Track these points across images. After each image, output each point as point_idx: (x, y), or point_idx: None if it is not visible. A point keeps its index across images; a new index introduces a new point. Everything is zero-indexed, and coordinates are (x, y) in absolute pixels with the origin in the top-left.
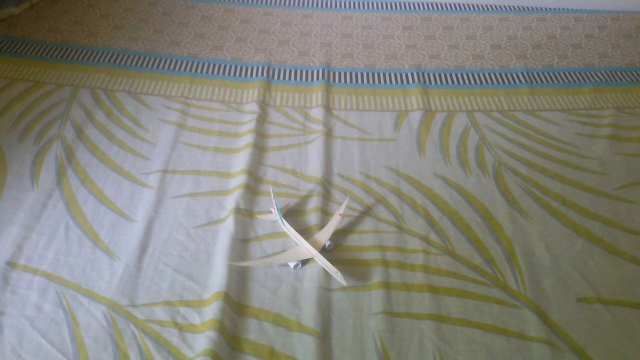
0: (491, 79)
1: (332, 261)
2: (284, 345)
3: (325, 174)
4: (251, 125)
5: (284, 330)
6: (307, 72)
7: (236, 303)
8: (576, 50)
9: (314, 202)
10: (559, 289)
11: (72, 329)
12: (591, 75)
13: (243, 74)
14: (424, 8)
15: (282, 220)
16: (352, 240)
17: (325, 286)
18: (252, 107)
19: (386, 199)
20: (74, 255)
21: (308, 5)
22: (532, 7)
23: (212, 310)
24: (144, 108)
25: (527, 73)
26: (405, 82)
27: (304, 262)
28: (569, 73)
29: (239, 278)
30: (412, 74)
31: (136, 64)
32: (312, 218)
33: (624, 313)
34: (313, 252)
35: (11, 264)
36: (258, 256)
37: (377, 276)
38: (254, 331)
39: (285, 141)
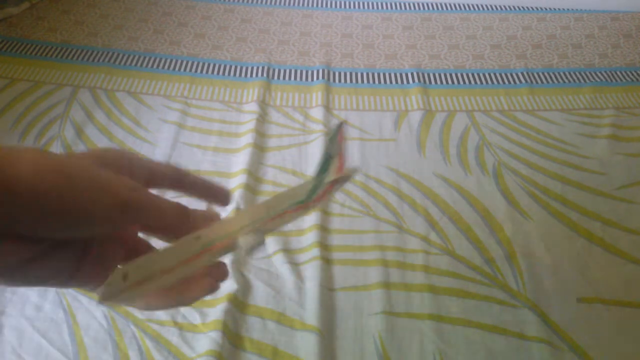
0: (491, 79)
1: (332, 261)
2: (288, 344)
3: None
4: (251, 125)
5: (288, 329)
6: (307, 72)
7: (241, 302)
8: (576, 50)
9: None
10: (559, 289)
11: (72, 329)
12: (591, 75)
13: (243, 74)
14: (424, 8)
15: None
16: (352, 240)
17: (327, 285)
18: (252, 107)
19: (386, 199)
20: None
21: (308, 5)
22: (532, 7)
23: (215, 312)
24: (144, 108)
25: (527, 73)
26: (405, 82)
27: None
28: (569, 73)
29: (242, 278)
30: (412, 74)
31: (136, 64)
32: (312, 218)
33: (624, 313)
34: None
35: None
36: (260, 256)
37: (377, 276)
38: (258, 330)
39: (285, 141)
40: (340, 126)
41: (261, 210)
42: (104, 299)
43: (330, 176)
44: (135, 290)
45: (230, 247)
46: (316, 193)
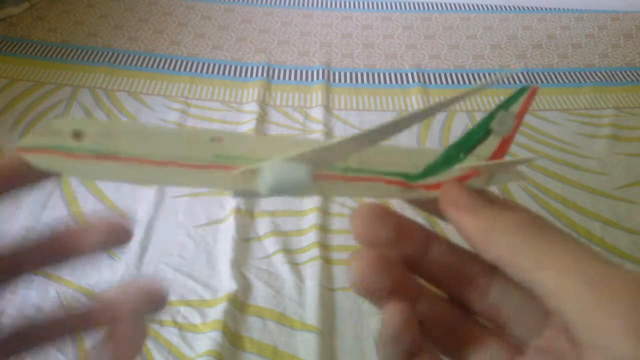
0: (491, 79)
1: (332, 261)
2: (288, 344)
3: None
4: (251, 125)
5: (288, 329)
6: (307, 72)
7: (241, 302)
8: (576, 50)
9: (314, 202)
10: None
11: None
12: (591, 75)
13: (243, 74)
14: (424, 8)
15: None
16: (352, 240)
17: (327, 285)
18: (252, 107)
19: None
20: None
21: (308, 5)
22: (532, 7)
23: (216, 313)
24: (144, 108)
25: (527, 73)
26: (405, 82)
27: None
28: (569, 73)
29: (243, 278)
30: (412, 74)
31: (136, 64)
32: (312, 218)
33: None
34: None
35: None
36: (260, 256)
37: None
38: (258, 330)
39: None
40: (528, 92)
41: (332, 151)
42: (23, 149)
43: (476, 159)
44: (83, 163)
45: (253, 180)
46: (437, 175)
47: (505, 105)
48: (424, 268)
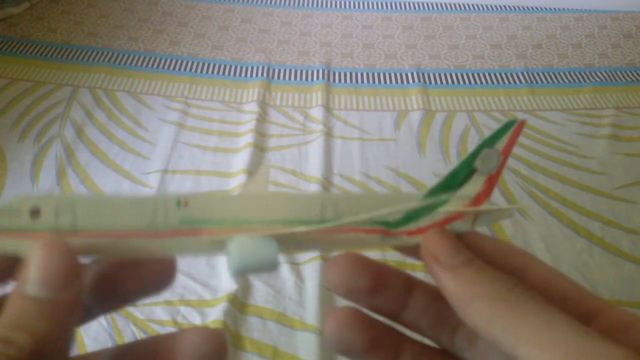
0: (491, 79)
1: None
2: (288, 344)
3: (326, 174)
4: (251, 125)
5: (288, 329)
6: (307, 72)
7: (241, 302)
8: (576, 50)
9: None
10: None
11: None
12: (591, 75)
13: (243, 74)
14: (424, 8)
15: None
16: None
17: (327, 285)
18: (252, 107)
19: None
20: None
21: (308, 5)
22: (532, 7)
23: (216, 313)
24: (144, 108)
25: (527, 73)
26: (405, 82)
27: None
28: (569, 73)
29: (243, 278)
30: (412, 74)
31: (136, 64)
32: None
33: None
34: None
35: None
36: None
37: None
38: (258, 330)
39: (285, 141)
40: (514, 126)
41: (311, 206)
42: None
43: (460, 200)
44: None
45: (222, 249)
46: (419, 220)
47: (489, 142)
48: (408, 316)
